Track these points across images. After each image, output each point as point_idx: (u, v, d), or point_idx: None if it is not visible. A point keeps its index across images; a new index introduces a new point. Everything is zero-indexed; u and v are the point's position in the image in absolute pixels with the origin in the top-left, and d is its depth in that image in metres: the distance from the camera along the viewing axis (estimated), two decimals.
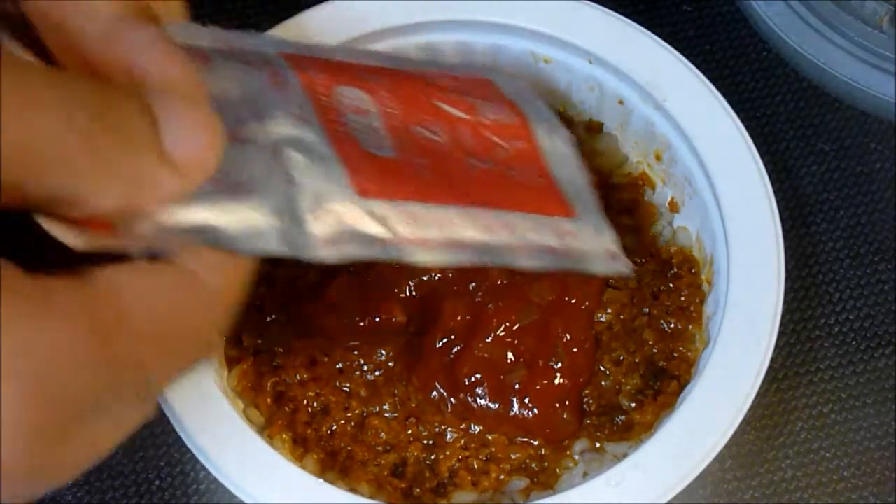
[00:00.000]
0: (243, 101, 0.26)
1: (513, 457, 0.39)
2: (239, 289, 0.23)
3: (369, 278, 0.41)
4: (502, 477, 0.39)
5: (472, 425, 0.39)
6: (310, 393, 0.40)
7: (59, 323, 0.19)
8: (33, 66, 0.20)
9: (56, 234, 0.20)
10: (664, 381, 0.40)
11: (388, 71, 0.29)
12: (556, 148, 0.34)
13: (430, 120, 0.30)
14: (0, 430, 0.18)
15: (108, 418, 0.20)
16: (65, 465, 0.20)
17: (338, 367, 0.40)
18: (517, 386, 0.39)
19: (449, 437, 0.39)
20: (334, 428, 0.39)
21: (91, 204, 0.19)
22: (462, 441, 0.39)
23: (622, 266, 0.33)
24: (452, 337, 0.39)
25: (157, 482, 0.43)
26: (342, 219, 0.24)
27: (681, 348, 0.40)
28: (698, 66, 0.42)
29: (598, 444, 0.39)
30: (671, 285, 0.42)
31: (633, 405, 0.40)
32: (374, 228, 0.25)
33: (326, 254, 0.24)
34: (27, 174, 0.18)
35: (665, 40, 0.43)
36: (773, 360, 0.37)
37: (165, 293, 0.21)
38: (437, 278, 0.41)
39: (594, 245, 0.32)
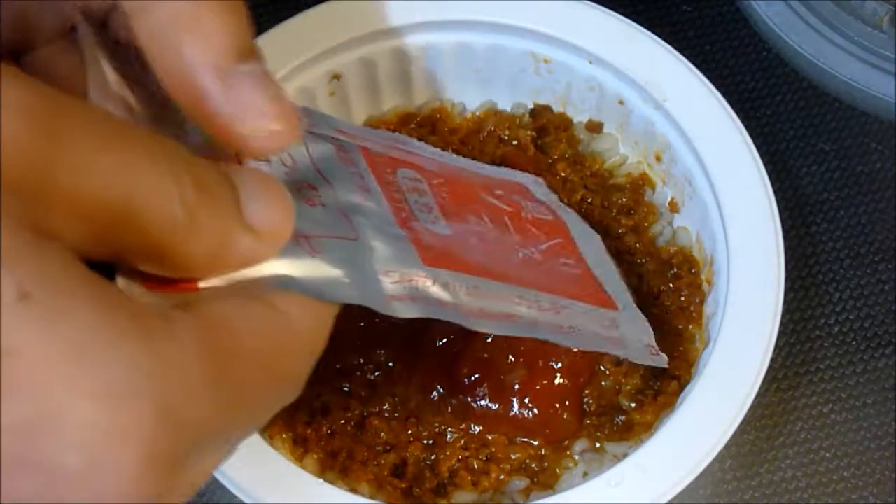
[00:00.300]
0: (316, 167, 0.27)
1: (513, 457, 0.39)
2: (326, 333, 0.23)
3: None
4: (502, 477, 0.39)
5: (472, 425, 0.39)
6: (310, 393, 0.40)
7: (183, 349, 0.19)
8: (136, 127, 0.21)
9: (129, 291, 0.21)
10: (664, 381, 0.40)
11: (436, 161, 0.31)
12: (592, 248, 0.35)
13: (479, 209, 0.32)
14: (124, 453, 0.18)
15: (217, 448, 0.21)
16: (177, 494, 0.20)
17: (337, 366, 0.40)
18: (517, 386, 0.39)
19: (449, 437, 0.39)
20: (334, 428, 0.39)
21: (180, 263, 0.20)
22: (462, 441, 0.39)
23: (661, 361, 0.34)
24: (452, 337, 0.39)
25: None
26: (411, 281, 0.25)
27: (681, 348, 0.40)
28: (698, 66, 0.42)
29: (598, 444, 0.39)
30: (671, 285, 0.42)
31: (633, 405, 0.40)
32: (441, 294, 0.26)
33: (399, 308, 0.25)
34: (130, 228, 0.19)
35: (665, 40, 0.43)
36: (773, 360, 0.37)
37: (269, 329, 0.21)
38: None
39: (635, 338, 0.34)
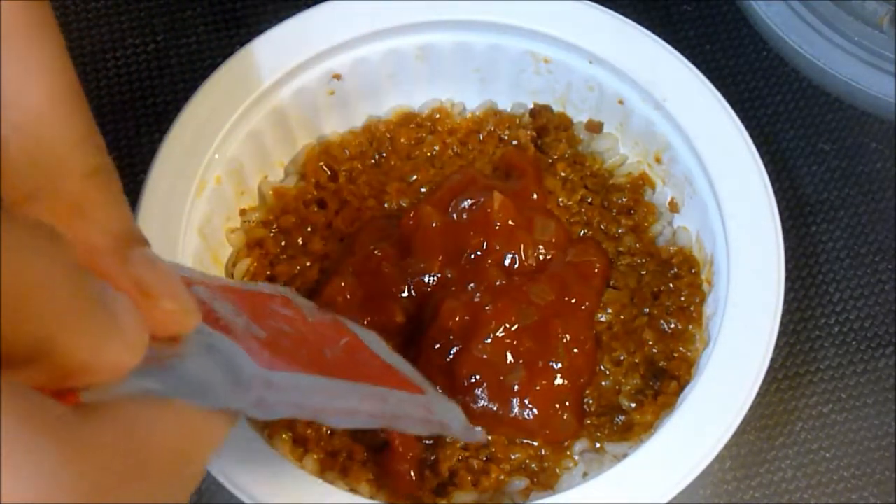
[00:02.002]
0: None
1: (513, 457, 0.39)
2: (224, 431, 0.25)
3: (368, 278, 0.41)
4: (502, 477, 0.39)
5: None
6: None
7: (89, 455, 0.19)
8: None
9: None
10: (664, 381, 0.40)
11: (210, 283, 0.31)
12: (376, 343, 0.35)
13: (277, 318, 0.32)
14: None
15: None
16: None
17: None
18: (516, 387, 0.38)
19: (449, 437, 0.39)
20: (334, 428, 0.39)
21: (60, 361, 0.20)
22: (462, 441, 0.39)
23: (479, 436, 0.36)
24: (451, 337, 0.39)
25: None
26: (254, 390, 0.26)
27: (681, 348, 0.40)
28: (698, 66, 0.42)
29: (598, 444, 0.39)
30: (671, 285, 0.42)
31: (633, 405, 0.40)
32: (280, 397, 0.27)
33: (262, 414, 0.26)
34: (20, 319, 0.19)
35: (665, 40, 0.43)
36: (773, 360, 0.37)
37: (171, 426, 0.22)
38: (435, 279, 0.41)
39: (453, 418, 0.34)
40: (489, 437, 0.39)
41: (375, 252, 0.41)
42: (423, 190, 0.44)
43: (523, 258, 0.41)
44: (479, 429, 0.36)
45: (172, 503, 0.23)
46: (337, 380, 0.30)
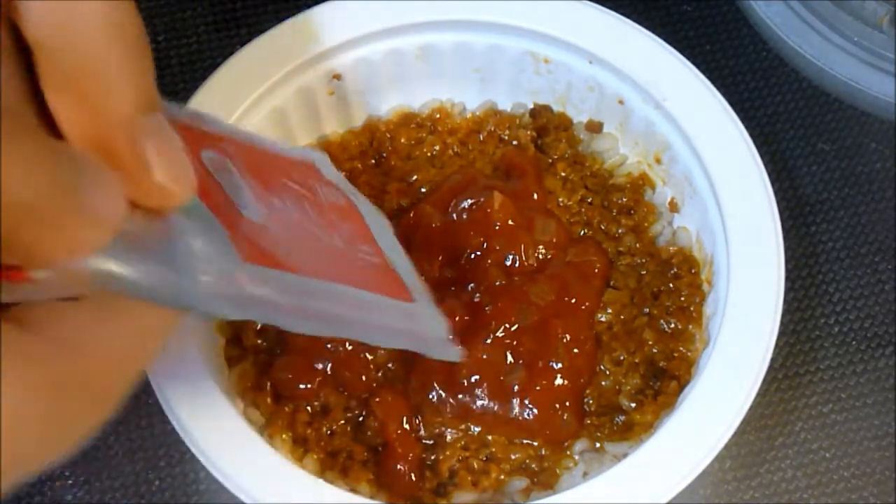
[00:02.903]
0: None
1: (513, 457, 0.39)
2: (163, 333, 0.24)
3: None
4: (502, 477, 0.39)
5: (472, 426, 0.39)
6: (310, 393, 0.40)
7: (23, 368, 0.20)
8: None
9: None
10: (664, 381, 0.40)
11: (233, 140, 0.30)
12: (384, 232, 0.34)
13: (282, 194, 0.31)
14: None
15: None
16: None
17: (337, 367, 0.40)
18: (516, 387, 0.38)
19: (449, 437, 0.39)
20: (334, 428, 0.39)
21: (20, 252, 0.20)
22: (462, 441, 0.39)
23: (456, 354, 0.34)
24: (451, 337, 0.39)
25: (157, 482, 0.43)
26: (230, 281, 0.25)
27: (681, 348, 0.40)
28: (698, 66, 0.42)
29: (598, 444, 0.39)
30: (671, 285, 0.42)
31: (633, 405, 0.40)
32: (260, 291, 0.26)
33: (218, 308, 0.25)
34: None
35: (665, 40, 0.43)
36: (773, 360, 0.37)
37: (111, 328, 0.22)
38: (435, 278, 0.40)
39: (433, 330, 0.33)
40: (467, 355, 0.37)
41: None
42: (423, 190, 0.44)
43: (523, 258, 0.41)
44: (458, 348, 0.34)
45: (106, 413, 0.23)
46: (321, 280, 0.29)
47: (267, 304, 0.26)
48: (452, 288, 0.40)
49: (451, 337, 0.33)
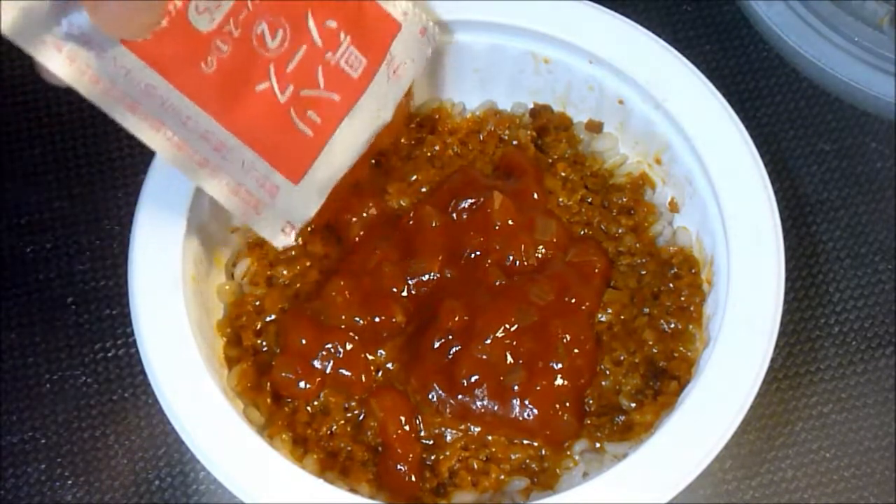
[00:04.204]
0: None
1: (513, 457, 0.39)
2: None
3: (368, 278, 0.41)
4: (502, 477, 0.39)
5: (472, 426, 0.39)
6: (310, 393, 0.40)
7: None
8: None
9: None
10: (664, 381, 0.40)
11: None
12: (362, 131, 0.34)
13: (278, 25, 0.31)
14: None
15: None
16: None
17: (337, 367, 0.40)
18: (516, 387, 0.38)
19: (449, 437, 0.39)
20: (334, 428, 0.39)
21: None
22: (462, 441, 0.39)
23: (284, 241, 0.35)
24: (450, 337, 0.39)
25: (157, 482, 0.43)
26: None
27: (681, 348, 0.40)
28: (698, 66, 0.42)
29: (598, 444, 0.39)
30: (671, 285, 0.42)
31: (633, 405, 0.40)
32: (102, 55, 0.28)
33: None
34: None
35: (665, 40, 0.43)
36: (773, 360, 0.37)
37: None
38: (435, 279, 0.41)
39: (284, 211, 0.33)
40: (297, 242, 0.37)
41: (375, 252, 0.41)
42: (423, 190, 0.44)
43: (523, 258, 0.41)
44: (290, 237, 0.35)
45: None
46: (196, 106, 0.30)
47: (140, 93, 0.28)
48: (452, 288, 0.40)
49: (295, 228, 0.34)
